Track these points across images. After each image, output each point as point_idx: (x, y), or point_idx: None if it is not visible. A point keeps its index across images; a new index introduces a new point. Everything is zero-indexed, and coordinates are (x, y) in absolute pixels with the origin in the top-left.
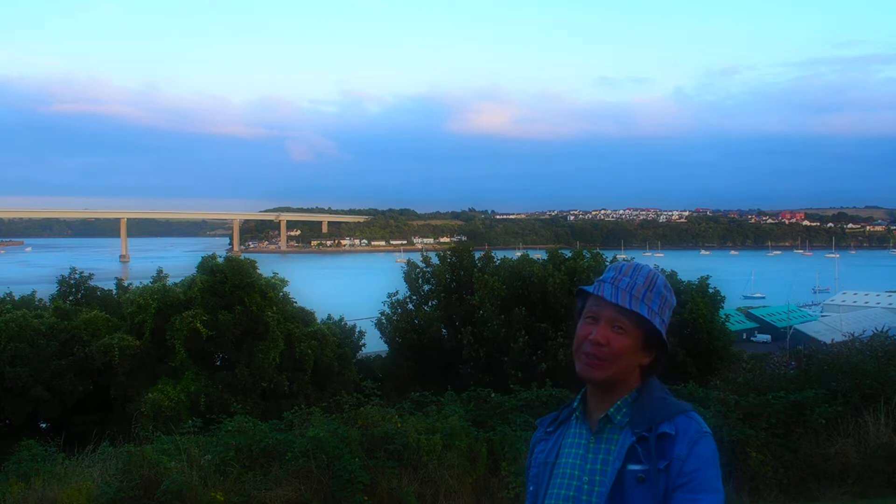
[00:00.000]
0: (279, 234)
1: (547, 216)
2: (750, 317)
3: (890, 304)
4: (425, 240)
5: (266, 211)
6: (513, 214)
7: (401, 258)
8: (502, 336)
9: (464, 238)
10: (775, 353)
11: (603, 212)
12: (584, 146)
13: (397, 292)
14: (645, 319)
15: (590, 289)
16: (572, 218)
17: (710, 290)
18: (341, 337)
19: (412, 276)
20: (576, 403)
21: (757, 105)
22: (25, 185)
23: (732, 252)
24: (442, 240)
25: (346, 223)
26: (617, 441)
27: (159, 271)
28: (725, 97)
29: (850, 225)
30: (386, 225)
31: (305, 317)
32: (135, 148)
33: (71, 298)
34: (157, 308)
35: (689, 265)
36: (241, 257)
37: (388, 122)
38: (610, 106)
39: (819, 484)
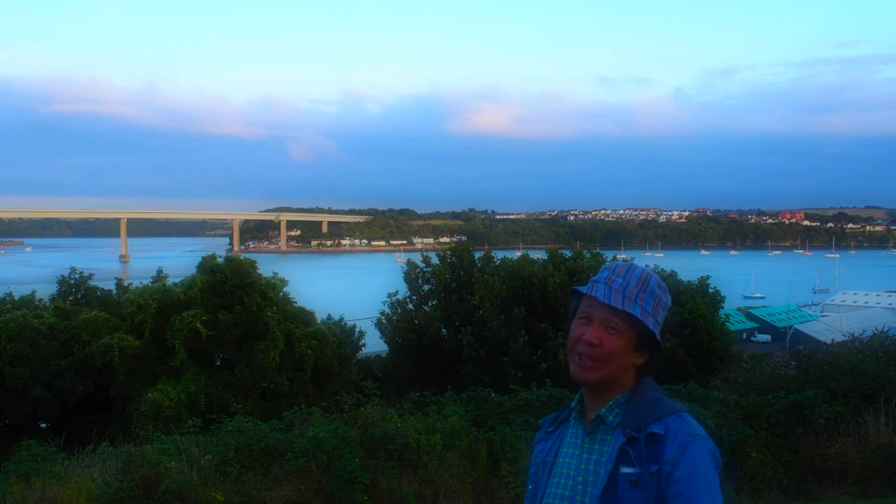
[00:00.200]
0: (279, 234)
1: (547, 216)
2: (750, 317)
3: (890, 304)
4: (425, 240)
5: (266, 211)
6: (513, 214)
7: (401, 258)
8: (502, 336)
9: (464, 238)
10: (775, 353)
11: (603, 212)
12: (584, 146)
13: (397, 292)
14: (638, 320)
15: (583, 289)
16: (572, 218)
17: (710, 290)
18: (341, 337)
19: (412, 276)
20: (574, 403)
21: (757, 105)
22: (25, 185)
23: (732, 252)
24: (442, 240)
25: (346, 223)
26: (609, 442)
27: (159, 271)
28: (725, 97)
29: (850, 225)
30: (386, 225)
31: (305, 317)
32: (135, 148)
33: (71, 298)
34: (157, 308)
35: (689, 265)
36: (241, 257)
37: (388, 122)
38: (610, 106)
39: (819, 484)
